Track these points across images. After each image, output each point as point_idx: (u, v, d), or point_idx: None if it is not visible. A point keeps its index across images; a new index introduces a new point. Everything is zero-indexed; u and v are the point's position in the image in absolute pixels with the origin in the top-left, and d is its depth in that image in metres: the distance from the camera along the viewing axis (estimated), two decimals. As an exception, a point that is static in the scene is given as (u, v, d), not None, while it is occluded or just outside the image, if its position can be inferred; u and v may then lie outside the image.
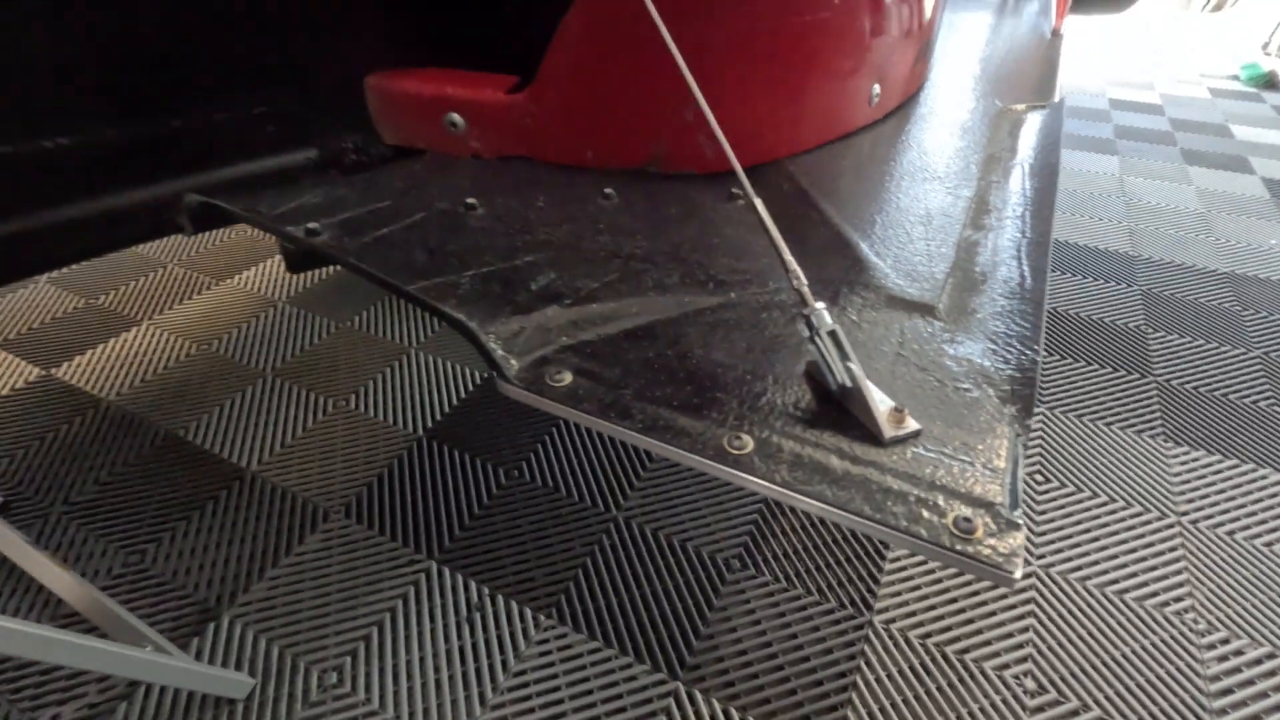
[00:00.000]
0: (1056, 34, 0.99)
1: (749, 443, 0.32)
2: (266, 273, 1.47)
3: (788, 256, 0.31)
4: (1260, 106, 2.74)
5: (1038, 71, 0.85)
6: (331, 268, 1.48)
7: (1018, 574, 0.26)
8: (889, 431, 0.32)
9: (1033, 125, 0.68)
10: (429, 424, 1.08)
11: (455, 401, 1.13)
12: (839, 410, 0.34)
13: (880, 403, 0.32)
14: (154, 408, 1.11)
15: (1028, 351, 0.38)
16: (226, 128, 0.51)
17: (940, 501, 0.29)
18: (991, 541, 0.27)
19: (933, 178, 0.59)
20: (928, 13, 0.74)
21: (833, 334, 0.32)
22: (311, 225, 0.44)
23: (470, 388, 1.15)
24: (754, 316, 0.40)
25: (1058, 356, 1.26)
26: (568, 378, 0.35)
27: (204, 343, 1.25)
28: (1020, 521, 0.28)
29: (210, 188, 0.49)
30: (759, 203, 0.32)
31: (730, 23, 0.50)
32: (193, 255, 1.53)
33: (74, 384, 1.15)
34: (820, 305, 0.32)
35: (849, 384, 0.32)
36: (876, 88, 0.64)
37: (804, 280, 0.32)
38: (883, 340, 0.38)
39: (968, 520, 0.28)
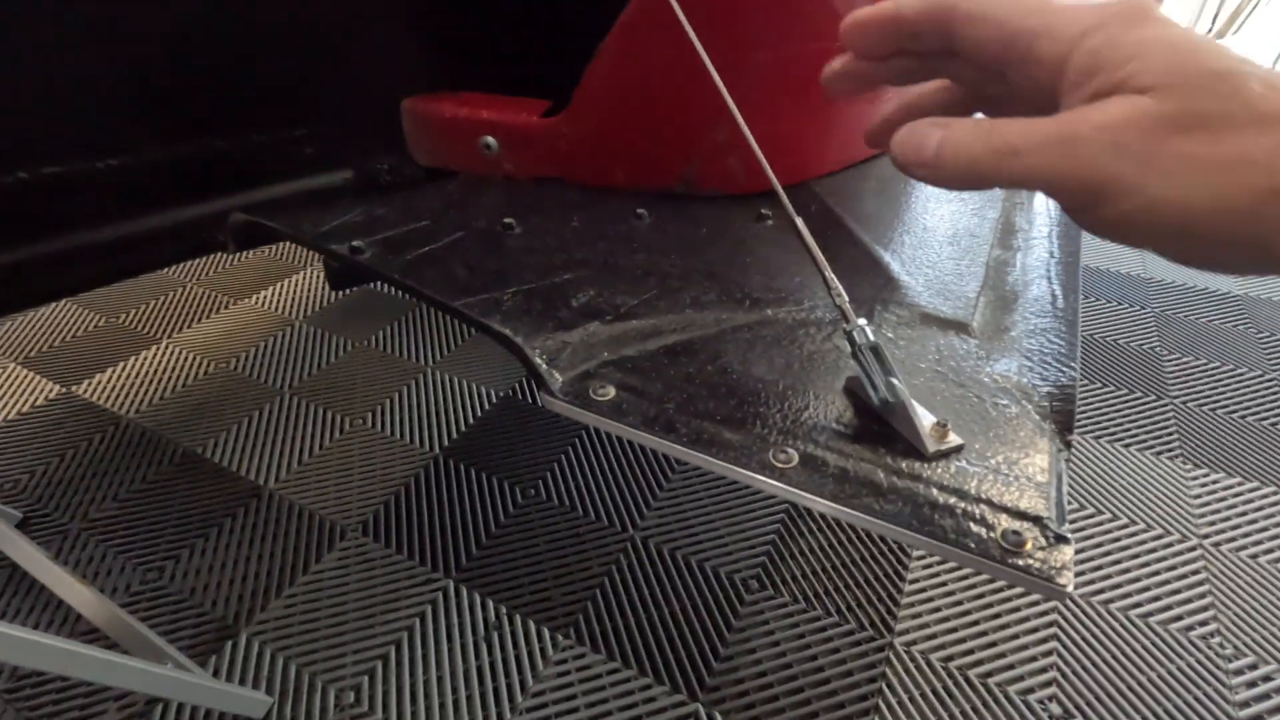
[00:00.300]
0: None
1: (794, 456, 0.32)
2: (284, 292, 1.48)
3: (829, 273, 0.32)
4: (1266, 131, 2.76)
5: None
6: (349, 288, 1.50)
7: (1069, 587, 0.26)
8: (932, 446, 0.32)
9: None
10: (445, 442, 1.09)
11: (472, 420, 1.13)
12: (881, 425, 0.34)
13: (923, 417, 0.33)
14: (172, 425, 1.12)
15: (1065, 369, 0.38)
16: (267, 149, 0.53)
17: (987, 515, 0.29)
18: (1041, 554, 0.27)
19: (957, 199, 0.60)
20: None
21: (875, 349, 0.33)
22: (356, 244, 0.45)
23: (487, 406, 1.16)
24: (791, 333, 0.41)
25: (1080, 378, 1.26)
26: (611, 392, 0.35)
27: (222, 361, 1.27)
28: (1069, 536, 0.28)
29: (251, 206, 0.50)
30: (800, 221, 0.33)
31: (762, 50, 0.51)
32: (212, 275, 1.55)
33: (94, 401, 1.16)
34: (862, 321, 0.32)
35: (891, 399, 0.33)
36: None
37: (845, 296, 0.33)
38: (919, 357, 0.39)
39: (1016, 534, 0.28)
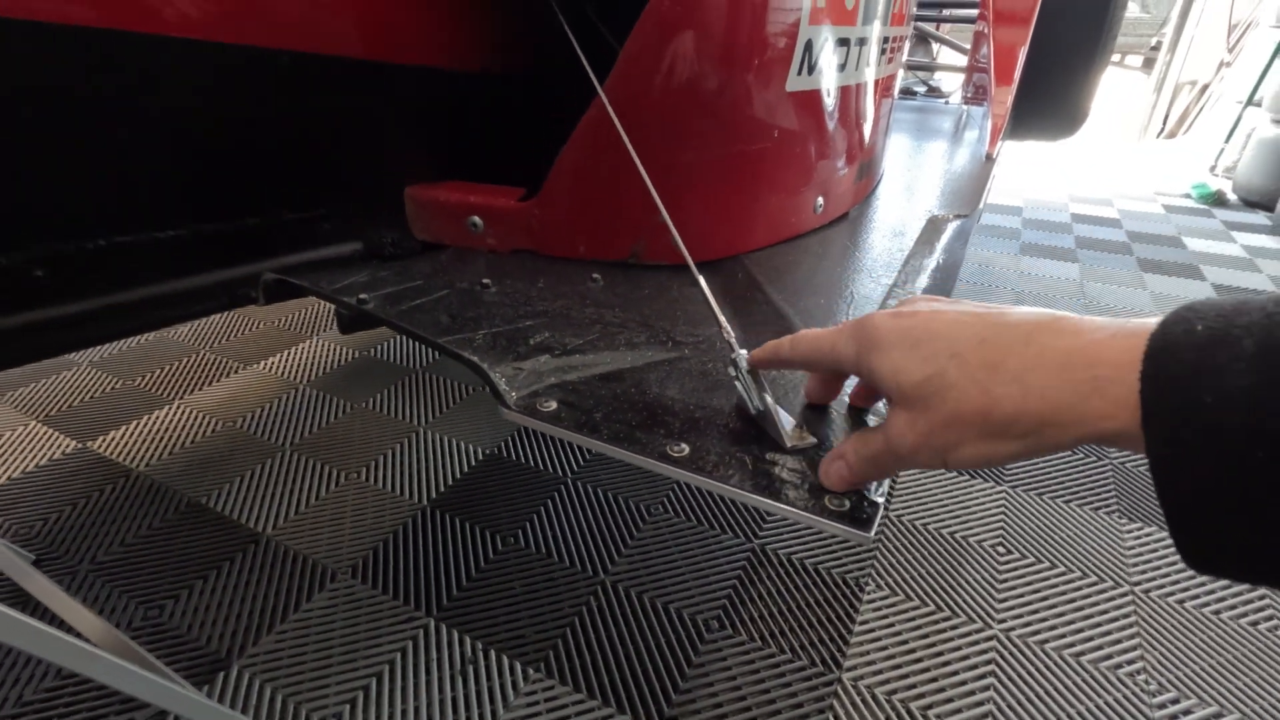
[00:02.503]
0: (989, 158, 1.17)
1: (686, 449, 0.42)
2: (290, 359, 1.60)
3: (719, 314, 0.43)
4: (1210, 221, 2.97)
5: (970, 187, 1.01)
6: (349, 355, 1.61)
7: (872, 535, 0.35)
8: (790, 442, 0.42)
9: (952, 229, 0.83)
10: (434, 494, 1.17)
11: (459, 475, 1.22)
12: (758, 430, 0.44)
13: (786, 422, 0.43)
14: (179, 478, 1.20)
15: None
16: (292, 225, 0.65)
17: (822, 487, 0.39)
18: (857, 512, 0.37)
19: (862, 269, 0.72)
20: (866, 138, 0.90)
21: (751, 371, 0.43)
22: (362, 296, 0.56)
23: (474, 462, 1.25)
24: (702, 366, 0.51)
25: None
26: (553, 405, 0.45)
27: (229, 420, 1.36)
28: (880, 501, 0.38)
29: (277, 269, 0.62)
30: (702, 280, 0.44)
31: (690, 149, 0.65)
32: (223, 343, 1.67)
33: (107, 455, 1.25)
34: (743, 351, 0.43)
35: (763, 409, 0.43)
36: (820, 199, 0.79)
37: (732, 333, 0.43)
38: (799, 384, 0.49)
39: (840, 497, 0.38)
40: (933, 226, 0.83)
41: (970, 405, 0.28)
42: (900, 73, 1.10)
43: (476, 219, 0.70)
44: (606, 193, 0.65)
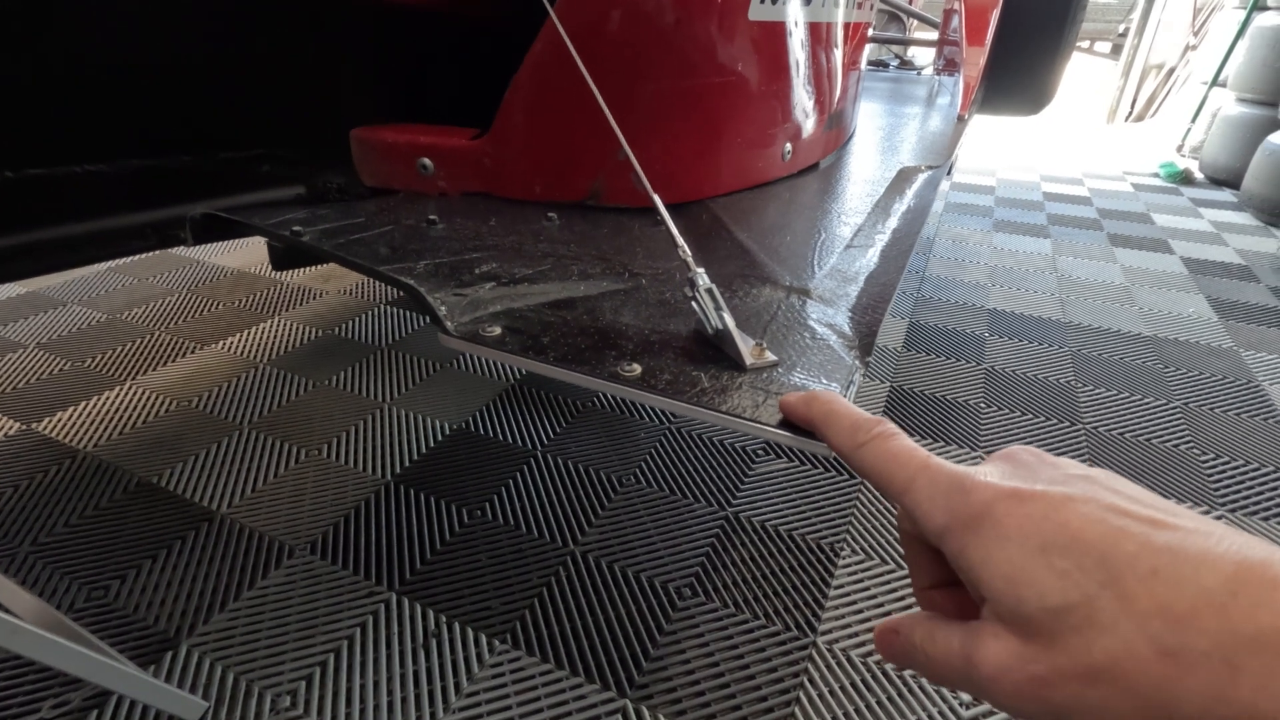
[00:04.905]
0: (961, 119, 1.16)
1: (637, 369, 0.39)
2: (250, 339, 1.54)
3: (674, 230, 0.40)
4: (1178, 199, 3.01)
5: (940, 143, 0.99)
6: (312, 334, 1.56)
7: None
8: (750, 360, 0.39)
9: (923, 178, 0.81)
10: (398, 470, 1.13)
11: (424, 450, 1.18)
12: (715, 351, 0.41)
13: (745, 341, 0.40)
14: (130, 457, 1.14)
15: (876, 315, 0.46)
16: (228, 165, 0.61)
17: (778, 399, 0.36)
18: None
19: (831, 213, 0.70)
20: (837, 87, 0.88)
21: (710, 291, 0.40)
22: (296, 228, 0.53)
23: (439, 438, 1.21)
24: (660, 295, 0.49)
25: (995, 408, 1.35)
26: (498, 330, 0.42)
27: (184, 400, 1.31)
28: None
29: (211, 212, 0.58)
30: (654, 196, 0.41)
31: (650, 83, 0.62)
32: (179, 324, 1.61)
33: (53, 437, 1.19)
34: (700, 270, 0.40)
35: (721, 328, 0.40)
36: (789, 146, 0.77)
37: (689, 251, 0.40)
38: (762, 310, 0.46)
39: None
40: (903, 176, 0.80)
41: (1136, 666, 0.19)
42: (870, 27, 1.07)
43: (427, 160, 0.66)
44: (562, 126, 0.62)
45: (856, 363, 0.40)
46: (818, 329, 0.44)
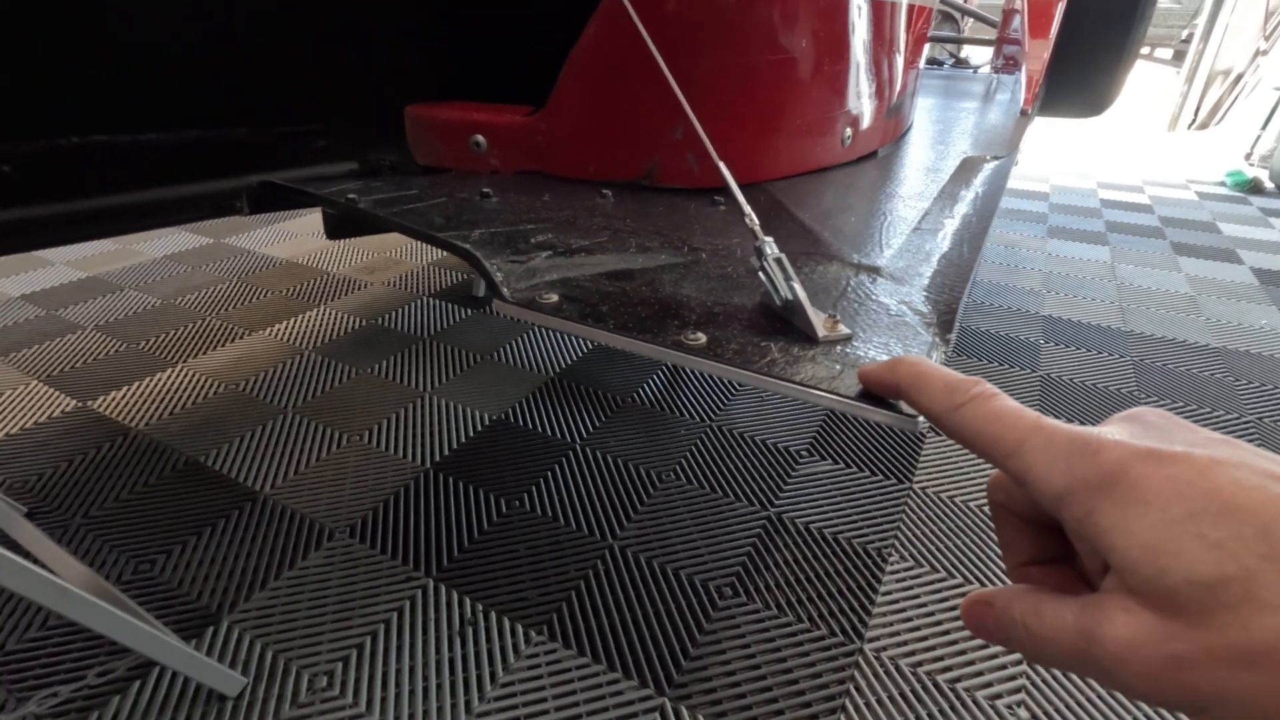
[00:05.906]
0: (1024, 113, 1.11)
1: (703, 338, 0.37)
2: (298, 326, 1.56)
3: (742, 200, 0.38)
4: (1247, 208, 2.87)
5: (1004, 135, 0.95)
6: (357, 323, 1.58)
7: (921, 419, 0.30)
8: (822, 333, 0.37)
9: (989, 168, 0.77)
10: (437, 458, 1.13)
11: (464, 439, 1.17)
12: (783, 323, 0.39)
13: (816, 313, 0.38)
14: (179, 437, 1.17)
15: (955, 295, 0.43)
16: (283, 139, 0.61)
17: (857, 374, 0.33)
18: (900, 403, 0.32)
19: (895, 195, 0.67)
20: (899, 72, 0.85)
21: (779, 260, 0.38)
22: (351, 195, 0.52)
23: (479, 428, 1.20)
24: (721, 270, 0.46)
25: (1052, 417, 1.29)
26: (555, 298, 0.40)
27: (232, 383, 1.33)
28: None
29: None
30: (724, 167, 0.39)
31: (712, 59, 0.60)
32: (230, 310, 1.64)
33: (106, 415, 1.22)
34: (769, 238, 0.38)
35: (790, 298, 0.38)
36: (849, 131, 0.74)
37: (756, 220, 0.38)
38: (832, 286, 0.44)
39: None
40: (968, 165, 0.77)
41: None
42: (931, 15, 1.04)
43: (480, 138, 0.65)
44: (619, 102, 0.60)
45: (937, 339, 0.38)
46: (892, 305, 0.41)
